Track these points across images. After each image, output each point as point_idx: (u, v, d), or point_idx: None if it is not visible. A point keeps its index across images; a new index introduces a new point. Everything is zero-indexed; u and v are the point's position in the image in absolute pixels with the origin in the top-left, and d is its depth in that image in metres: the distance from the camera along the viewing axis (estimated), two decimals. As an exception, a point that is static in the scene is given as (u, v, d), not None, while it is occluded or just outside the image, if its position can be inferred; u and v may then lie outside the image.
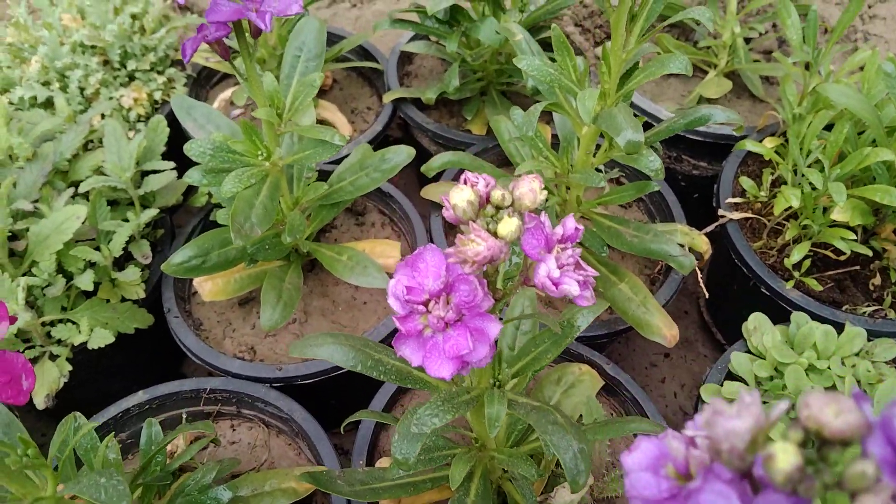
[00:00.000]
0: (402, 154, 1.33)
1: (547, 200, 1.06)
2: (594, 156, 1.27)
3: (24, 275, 1.28)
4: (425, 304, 0.68)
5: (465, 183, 0.68)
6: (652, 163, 1.12)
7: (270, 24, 0.99)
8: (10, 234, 1.29)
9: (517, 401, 0.86)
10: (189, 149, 1.20)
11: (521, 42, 1.26)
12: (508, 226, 0.65)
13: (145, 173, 1.51)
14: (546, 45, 1.43)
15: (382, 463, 1.16)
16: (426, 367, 0.71)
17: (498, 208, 0.67)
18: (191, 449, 1.06)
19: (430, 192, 1.49)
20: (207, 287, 1.37)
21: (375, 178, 1.33)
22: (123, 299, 1.39)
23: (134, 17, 1.80)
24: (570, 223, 0.71)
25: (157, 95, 1.72)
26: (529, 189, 0.67)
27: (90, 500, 0.78)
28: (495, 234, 0.66)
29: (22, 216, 1.31)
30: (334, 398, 1.41)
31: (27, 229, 1.28)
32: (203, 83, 1.85)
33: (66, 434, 0.88)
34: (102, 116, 1.58)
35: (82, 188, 1.36)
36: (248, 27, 1.09)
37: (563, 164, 1.28)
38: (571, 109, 1.21)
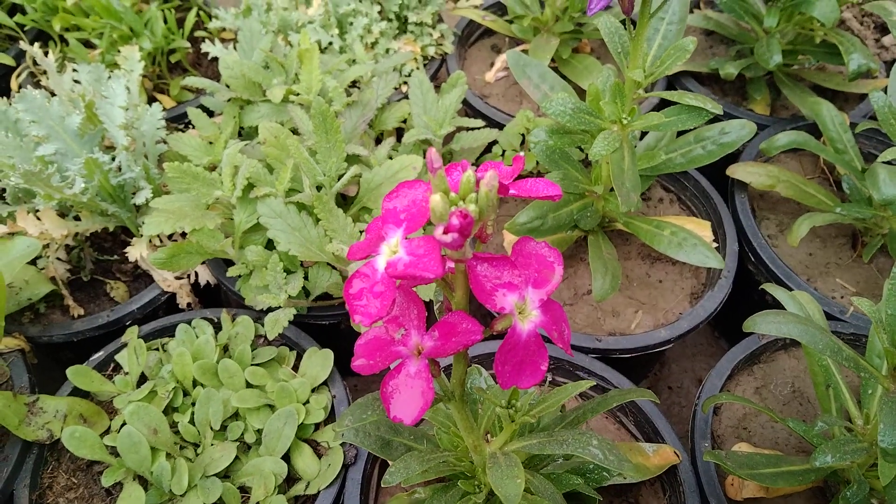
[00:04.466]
0: (744, 129, 1.27)
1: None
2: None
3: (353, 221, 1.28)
4: None
5: None
6: None
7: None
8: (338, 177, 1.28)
9: None
10: (547, 107, 1.17)
11: (899, 21, 1.18)
12: None
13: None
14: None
15: (741, 447, 1.12)
16: None
17: None
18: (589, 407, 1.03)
19: (736, 171, 1.43)
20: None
21: (712, 151, 1.28)
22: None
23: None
24: None
25: (431, 51, 1.70)
26: None
27: (586, 458, 0.77)
28: None
29: (353, 160, 1.30)
30: (631, 374, 1.37)
31: (359, 175, 1.28)
32: (464, 41, 1.82)
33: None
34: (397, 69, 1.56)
35: (406, 139, 1.34)
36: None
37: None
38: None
